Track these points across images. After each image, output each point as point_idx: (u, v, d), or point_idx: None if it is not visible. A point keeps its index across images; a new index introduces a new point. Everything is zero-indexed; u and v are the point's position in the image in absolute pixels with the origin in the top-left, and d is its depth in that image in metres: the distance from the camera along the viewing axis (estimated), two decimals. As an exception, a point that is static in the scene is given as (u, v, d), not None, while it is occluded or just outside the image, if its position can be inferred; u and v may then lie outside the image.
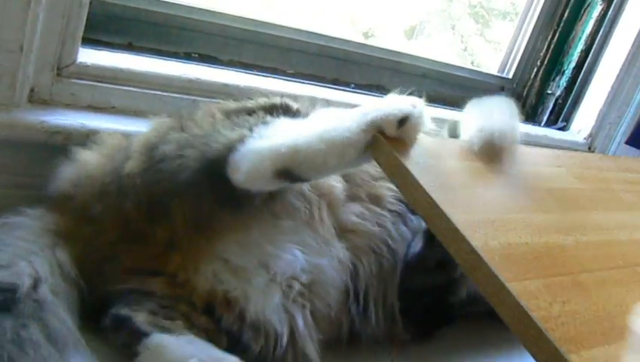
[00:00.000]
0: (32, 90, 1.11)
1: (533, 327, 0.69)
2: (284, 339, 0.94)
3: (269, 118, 0.94)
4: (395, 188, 0.93)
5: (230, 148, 0.87)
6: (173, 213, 0.91)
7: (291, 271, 0.96)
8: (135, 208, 0.92)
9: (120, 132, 1.11)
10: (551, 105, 2.01)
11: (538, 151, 1.19)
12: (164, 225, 0.91)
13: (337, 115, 0.89)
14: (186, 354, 0.83)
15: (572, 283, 0.80)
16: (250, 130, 0.90)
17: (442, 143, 1.00)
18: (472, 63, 2.15)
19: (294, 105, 1.03)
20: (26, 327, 0.79)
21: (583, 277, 0.82)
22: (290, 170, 0.85)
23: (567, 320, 0.72)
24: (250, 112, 0.97)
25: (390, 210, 1.08)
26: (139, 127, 1.13)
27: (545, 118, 2.02)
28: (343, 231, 1.03)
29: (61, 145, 1.09)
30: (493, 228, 0.81)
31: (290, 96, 1.10)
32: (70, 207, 0.97)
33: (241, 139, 0.88)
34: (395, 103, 0.86)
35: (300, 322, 0.95)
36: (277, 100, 1.03)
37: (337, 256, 1.01)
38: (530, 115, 2.04)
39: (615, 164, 1.24)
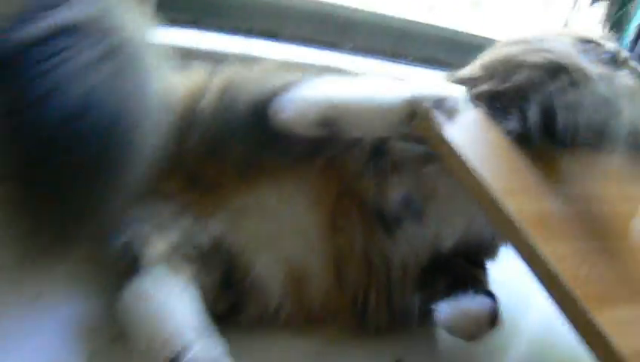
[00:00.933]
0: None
1: (560, 286, 0.75)
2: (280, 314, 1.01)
3: (319, 76, 0.98)
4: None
5: (278, 91, 0.93)
6: (227, 154, 0.97)
7: (299, 256, 1.01)
8: (196, 145, 0.97)
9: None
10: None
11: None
12: (215, 165, 0.98)
13: (385, 83, 0.95)
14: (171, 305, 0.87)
15: (603, 249, 0.85)
16: (300, 78, 0.95)
17: (482, 113, 1.05)
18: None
19: None
20: None
21: (615, 243, 0.88)
22: (334, 120, 0.91)
23: (593, 280, 0.78)
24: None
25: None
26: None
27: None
28: None
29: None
30: (529, 195, 0.87)
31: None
32: None
33: (290, 83, 0.93)
34: (438, 87, 0.92)
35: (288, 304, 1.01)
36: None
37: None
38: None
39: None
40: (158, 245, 0.91)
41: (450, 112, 0.90)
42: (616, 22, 2.00)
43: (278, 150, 0.96)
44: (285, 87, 0.93)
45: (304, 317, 1.03)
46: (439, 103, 0.89)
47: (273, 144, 0.94)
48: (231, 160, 0.98)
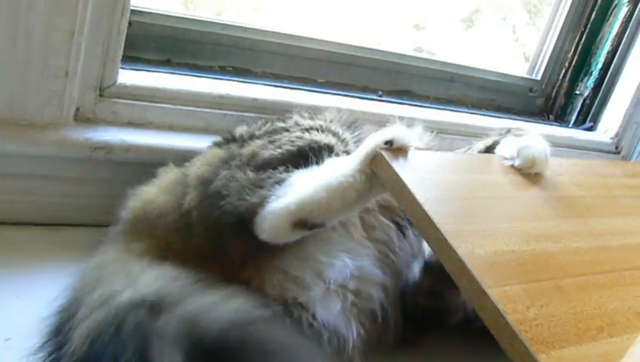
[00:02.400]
0: (77, 110, 1.23)
1: (507, 329, 0.77)
2: (350, 345, 1.03)
3: (284, 175, 1.02)
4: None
5: (254, 212, 0.98)
6: (232, 242, 1.01)
7: (342, 277, 1.05)
8: (203, 238, 1.02)
9: (157, 145, 1.25)
10: (579, 105, 2.05)
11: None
12: (233, 248, 1.02)
13: (343, 161, 1.00)
14: None
15: (553, 288, 0.87)
16: (270, 190, 0.99)
17: (444, 157, 1.08)
18: (524, 54, 2.19)
19: (325, 141, 1.09)
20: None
21: (564, 282, 0.89)
22: (304, 220, 0.96)
23: (542, 322, 0.79)
24: (274, 166, 1.04)
25: (395, 222, 1.15)
26: (174, 141, 1.25)
27: (573, 119, 2.07)
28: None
29: (103, 159, 1.21)
30: (481, 237, 0.88)
31: (311, 109, 1.21)
32: (146, 236, 1.05)
33: (262, 203, 0.98)
34: (381, 133, 0.97)
35: (355, 330, 1.04)
36: (305, 143, 1.09)
37: (374, 255, 1.10)
38: (559, 116, 2.09)
39: (622, 170, 1.29)
40: None
41: (401, 149, 0.95)
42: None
43: None
44: (257, 207, 0.98)
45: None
46: (388, 145, 0.95)
47: None
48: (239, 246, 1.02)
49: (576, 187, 1.14)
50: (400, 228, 1.14)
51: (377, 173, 0.94)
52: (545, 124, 2.03)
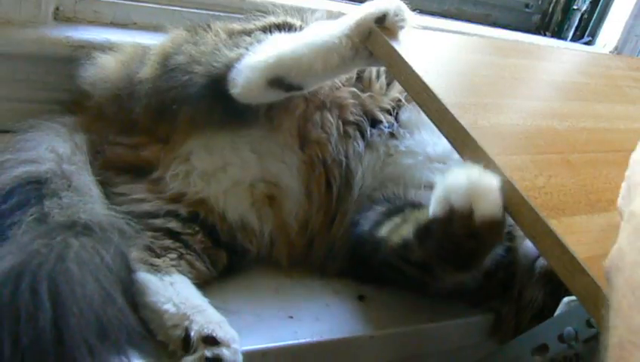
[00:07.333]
0: (56, 9, 1.17)
1: (516, 195, 0.73)
2: (265, 238, 1.03)
3: (263, 36, 0.98)
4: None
5: (229, 66, 0.93)
6: (180, 115, 0.98)
7: (251, 176, 1.04)
8: (144, 110, 0.99)
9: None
10: (577, 20, 1.99)
11: (543, 49, 1.20)
12: (167, 124, 1.00)
13: (327, 24, 0.93)
14: (164, 297, 0.87)
15: (561, 161, 0.83)
16: (247, 48, 0.95)
17: (440, 36, 1.04)
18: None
19: (296, 23, 1.06)
20: (62, 198, 0.88)
21: (572, 156, 0.85)
22: (281, 77, 0.90)
23: (551, 191, 0.76)
24: (249, 33, 1.01)
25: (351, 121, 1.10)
26: (159, 41, 1.19)
27: (571, 34, 2.01)
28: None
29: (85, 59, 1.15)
30: (484, 110, 0.84)
31: (297, 10, 1.15)
32: (87, 105, 1.05)
33: (238, 58, 0.93)
34: (374, 4, 0.89)
35: (270, 224, 1.04)
36: (278, 20, 1.06)
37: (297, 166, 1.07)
38: (557, 32, 2.03)
39: (626, 64, 1.25)
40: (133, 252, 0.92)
41: (398, 24, 0.88)
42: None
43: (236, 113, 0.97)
44: (233, 62, 0.93)
45: (288, 242, 1.07)
46: (383, 19, 0.87)
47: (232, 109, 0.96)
48: (182, 119, 0.99)
49: (580, 74, 1.11)
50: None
51: (372, 49, 0.89)
52: (543, 37, 1.97)
